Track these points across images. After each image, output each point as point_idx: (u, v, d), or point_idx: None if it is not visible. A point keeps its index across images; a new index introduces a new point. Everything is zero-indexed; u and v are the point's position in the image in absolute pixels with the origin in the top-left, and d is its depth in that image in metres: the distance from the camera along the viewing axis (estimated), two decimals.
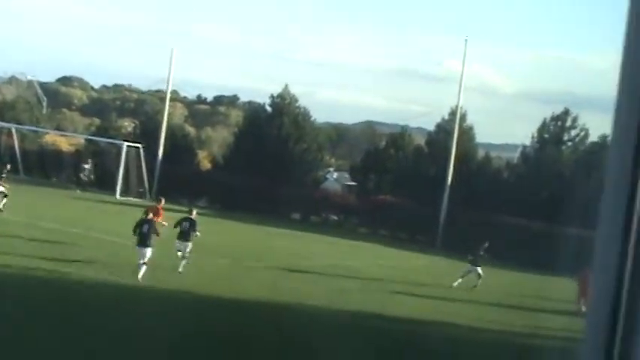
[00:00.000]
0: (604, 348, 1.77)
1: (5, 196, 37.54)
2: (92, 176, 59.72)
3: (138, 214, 43.80)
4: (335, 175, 78.14)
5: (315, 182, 64.73)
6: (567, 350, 17.10)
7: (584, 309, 28.77)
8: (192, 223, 28.16)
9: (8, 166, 43.12)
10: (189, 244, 27.56)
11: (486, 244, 35.57)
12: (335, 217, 60.69)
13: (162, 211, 31.20)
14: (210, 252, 31.19)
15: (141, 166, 58.33)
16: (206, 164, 72.41)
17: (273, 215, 53.60)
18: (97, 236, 32.85)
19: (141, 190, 57.96)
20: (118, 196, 55.56)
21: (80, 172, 60.19)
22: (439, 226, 53.98)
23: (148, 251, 25.10)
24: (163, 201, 32.62)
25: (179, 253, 27.30)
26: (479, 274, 34.35)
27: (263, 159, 59.76)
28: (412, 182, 57.07)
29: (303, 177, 61.79)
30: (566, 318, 26.86)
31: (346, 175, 74.31)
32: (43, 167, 60.63)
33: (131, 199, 55.18)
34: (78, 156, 65.07)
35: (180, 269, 26.86)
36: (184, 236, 27.72)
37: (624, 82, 1.78)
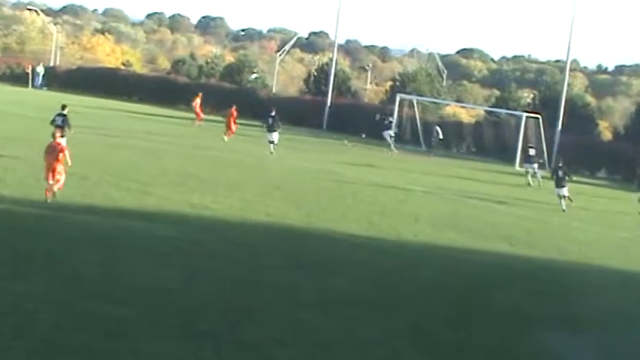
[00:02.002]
0: None
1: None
2: (440, 139, 59.21)
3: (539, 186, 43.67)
4: None
5: None
6: None
7: None
8: None
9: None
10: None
11: None
12: None
13: None
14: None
15: (540, 137, 57.70)
16: (607, 135, 70.32)
17: None
18: (498, 208, 32.89)
19: (540, 160, 57.35)
20: (517, 166, 55.38)
21: (432, 136, 60.19)
22: None
23: None
24: None
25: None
26: None
27: None
28: None
29: None
30: None
31: None
32: (443, 139, 61.76)
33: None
34: (477, 127, 65.74)
35: None
36: None
37: None
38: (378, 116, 58.57)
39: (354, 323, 13.91)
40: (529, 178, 45.11)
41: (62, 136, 25.37)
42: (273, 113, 44.14)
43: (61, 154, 22.38)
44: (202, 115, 57.29)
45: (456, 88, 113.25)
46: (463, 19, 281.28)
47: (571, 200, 35.11)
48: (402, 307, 15.51)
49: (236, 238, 20.00)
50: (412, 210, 28.57)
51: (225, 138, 46.27)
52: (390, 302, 15.82)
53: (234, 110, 49.24)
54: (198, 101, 57.93)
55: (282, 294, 15.19)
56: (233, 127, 48.78)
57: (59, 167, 22.24)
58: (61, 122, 29.05)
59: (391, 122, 56.73)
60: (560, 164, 36.99)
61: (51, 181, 21.97)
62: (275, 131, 43.25)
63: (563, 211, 34.01)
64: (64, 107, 30.52)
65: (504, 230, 26.83)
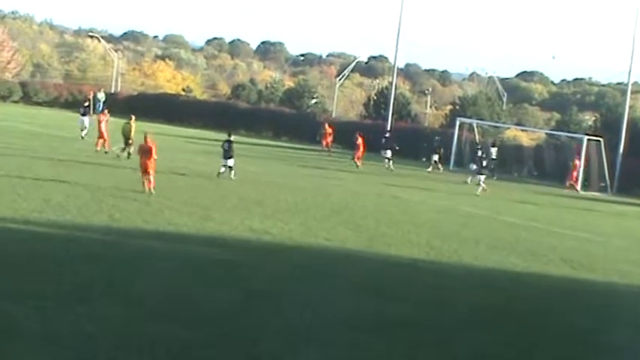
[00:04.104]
0: None
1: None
2: (492, 164, 59.08)
3: (600, 208, 43.22)
4: None
5: None
6: None
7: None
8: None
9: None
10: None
11: None
12: None
13: None
14: None
15: (602, 160, 57.08)
16: None
17: None
18: (559, 231, 32.52)
19: (602, 184, 56.75)
20: (579, 190, 54.89)
21: (490, 155, 60.11)
22: None
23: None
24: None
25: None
26: None
27: None
28: None
29: None
30: None
31: None
32: (503, 162, 61.32)
33: (593, 193, 54.23)
34: (538, 150, 65.25)
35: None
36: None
37: None
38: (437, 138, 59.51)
39: (415, 347, 13.85)
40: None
41: (230, 157, 35.76)
42: (387, 135, 55.06)
43: (150, 156, 28.67)
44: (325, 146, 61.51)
45: (517, 111, 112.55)
46: (523, 42, 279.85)
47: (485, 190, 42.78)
48: (463, 332, 15.39)
49: (295, 262, 20.04)
50: (473, 234, 28.37)
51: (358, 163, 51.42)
52: (451, 326, 15.71)
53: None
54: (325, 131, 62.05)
55: (341, 317, 15.15)
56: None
57: (151, 165, 28.49)
58: (227, 147, 36.05)
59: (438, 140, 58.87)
60: (484, 155, 47.62)
61: (145, 179, 28.30)
62: (389, 149, 52.88)
63: (477, 195, 41.91)
64: (230, 134, 37.07)
65: (565, 253, 26.48)
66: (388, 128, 56.01)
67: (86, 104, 52.35)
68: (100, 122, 42.56)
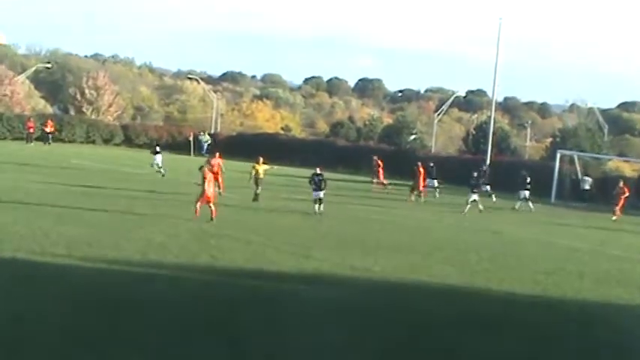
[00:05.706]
0: None
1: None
2: (593, 191, 58.57)
3: None
4: None
5: None
6: None
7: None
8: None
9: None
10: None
11: None
12: None
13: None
14: None
15: None
16: None
17: None
18: None
19: None
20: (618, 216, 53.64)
21: (582, 185, 59.56)
22: None
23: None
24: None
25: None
26: None
27: None
28: None
29: None
30: None
31: None
32: (605, 193, 60.21)
33: None
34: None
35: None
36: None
37: None
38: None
39: None
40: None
41: (321, 189, 36.66)
42: (432, 165, 53.45)
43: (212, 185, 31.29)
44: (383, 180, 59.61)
45: (618, 142, 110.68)
46: (624, 72, 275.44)
47: (480, 210, 44.07)
48: None
49: (397, 299, 19.86)
50: (576, 267, 27.77)
51: (412, 198, 49.39)
52: None
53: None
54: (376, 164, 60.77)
55: (446, 356, 14.96)
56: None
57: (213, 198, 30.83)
58: (318, 181, 37.13)
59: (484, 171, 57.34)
60: (476, 174, 47.29)
61: (212, 206, 30.38)
62: (435, 179, 53.01)
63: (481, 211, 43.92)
64: (317, 167, 38.76)
65: None
66: (432, 162, 56.04)
67: (157, 145, 55.80)
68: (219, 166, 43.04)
